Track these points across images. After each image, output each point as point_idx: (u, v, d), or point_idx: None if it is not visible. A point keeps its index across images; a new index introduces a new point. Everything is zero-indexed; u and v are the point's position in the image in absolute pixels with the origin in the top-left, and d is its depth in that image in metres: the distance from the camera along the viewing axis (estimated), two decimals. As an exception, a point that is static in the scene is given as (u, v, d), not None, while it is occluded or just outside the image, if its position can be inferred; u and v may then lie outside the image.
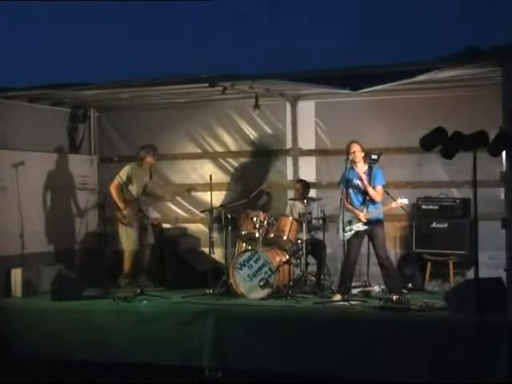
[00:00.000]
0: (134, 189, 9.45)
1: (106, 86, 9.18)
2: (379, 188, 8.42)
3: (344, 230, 8.28)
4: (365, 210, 8.31)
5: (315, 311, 7.76)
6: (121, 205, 9.35)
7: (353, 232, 8.34)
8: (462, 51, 7.05)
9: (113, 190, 9.42)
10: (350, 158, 8.39)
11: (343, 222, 8.25)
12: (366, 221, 8.28)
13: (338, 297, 8.17)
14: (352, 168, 8.44)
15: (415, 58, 7.77)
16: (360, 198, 8.43)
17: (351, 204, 8.42)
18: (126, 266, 9.43)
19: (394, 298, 7.64)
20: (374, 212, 8.30)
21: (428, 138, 5.98)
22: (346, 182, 8.43)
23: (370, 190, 8.31)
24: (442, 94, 9.30)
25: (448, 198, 9.34)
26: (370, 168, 8.44)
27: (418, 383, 6.89)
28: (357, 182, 8.43)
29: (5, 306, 8.55)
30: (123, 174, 9.42)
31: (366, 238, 8.63)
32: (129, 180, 9.42)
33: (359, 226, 8.31)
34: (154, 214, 10.55)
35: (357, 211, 8.33)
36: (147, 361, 7.70)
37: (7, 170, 9.33)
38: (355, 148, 8.41)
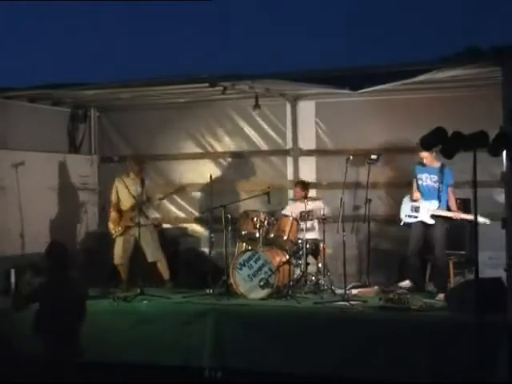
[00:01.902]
0: (125, 199, 9.27)
1: (106, 86, 9.18)
2: (451, 189, 8.62)
3: (408, 214, 8.61)
4: (436, 204, 8.52)
5: (315, 311, 7.76)
6: (112, 217, 9.33)
7: (417, 220, 8.55)
8: (462, 51, 7.01)
9: (111, 210, 9.37)
10: (424, 162, 8.68)
11: (410, 206, 8.60)
12: (431, 214, 8.49)
13: (405, 282, 8.29)
14: (422, 164, 8.70)
15: (415, 58, 7.74)
16: (432, 194, 8.63)
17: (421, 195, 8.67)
18: (122, 276, 9.34)
19: (442, 296, 7.79)
20: (441, 212, 8.48)
21: (428, 137, 5.97)
22: (418, 175, 8.71)
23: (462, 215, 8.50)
24: (442, 93, 9.31)
25: (448, 198, 9.33)
26: (442, 166, 8.57)
27: (418, 383, 6.89)
28: (429, 179, 8.63)
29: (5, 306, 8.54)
30: (112, 192, 9.38)
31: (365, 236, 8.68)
32: (118, 193, 9.33)
33: (426, 218, 8.50)
34: (154, 215, 10.54)
35: (424, 203, 8.57)
36: (147, 361, 7.69)
37: (7, 169, 9.34)
38: (424, 155, 8.61)
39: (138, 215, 8.98)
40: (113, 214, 9.26)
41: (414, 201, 8.65)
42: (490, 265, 8.34)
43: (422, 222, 8.58)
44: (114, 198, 9.35)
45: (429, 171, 8.65)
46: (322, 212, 9.20)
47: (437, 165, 8.64)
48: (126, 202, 9.24)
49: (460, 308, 7.06)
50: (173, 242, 10.22)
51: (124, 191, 9.22)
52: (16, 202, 9.36)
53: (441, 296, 7.95)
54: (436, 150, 8.42)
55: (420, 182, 8.70)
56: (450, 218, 8.53)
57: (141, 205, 9.12)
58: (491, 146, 5.90)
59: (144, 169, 9.57)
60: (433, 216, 8.51)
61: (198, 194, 10.55)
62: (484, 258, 8.18)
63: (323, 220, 9.00)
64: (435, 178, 8.60)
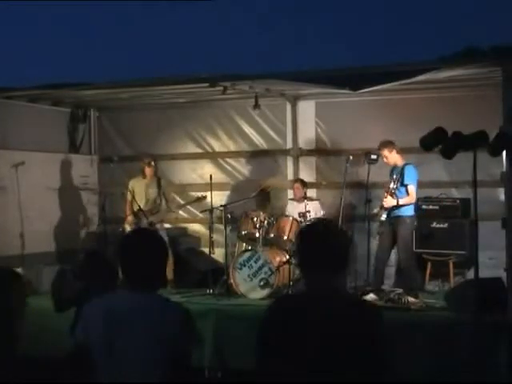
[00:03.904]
0: (139, 200, 9.30)
1: (106, 86, 9.18)
2: (410, 188, 8.45)
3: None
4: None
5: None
6: (127, 213, 9.35)
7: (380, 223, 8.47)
8: (462, 51, 7.03)
9: (127, 210, 9.41)
10: (385, 161, 8.57)
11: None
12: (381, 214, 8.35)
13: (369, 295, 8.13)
14: (394, 165, 8.60)
15: (415, 58, 7.76)
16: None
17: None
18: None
19: (409, 300, 7.61)
20: (389, 202, 8.32)
21: (428, 137, 5.97)
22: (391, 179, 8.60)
23: (388, 199, 8.32)
24: (442, 93, 9.31)
25: (448, 198, 9.34)
26: (404, 166, 8.49)
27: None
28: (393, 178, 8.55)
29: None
30: (128, 192, 9.41)
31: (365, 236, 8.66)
32: (134, 194, 9.37)
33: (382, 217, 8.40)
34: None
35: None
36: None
37: (7, 169, 9.34)
38: (384, 153, 8.53)
39: (156, 218, 9.13)
40: (130, 218, 9.29)
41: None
42: (490, 265, 8.34)
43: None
44: (129, 196, 9.37)
45: (395, 172, 8.60)
46: (320, 213, 9.22)
47: (400, 164, 8.56)
48: (140, 203, 9.24)
49: (460, 308, 7.06)
50: (173, 241, 10.21)
51: (138, 193, 9.26)
52: (16, 202, 9.37)
53: (412, 300, 7.72)
54: (396, 147, 8.55)
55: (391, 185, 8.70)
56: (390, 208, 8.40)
57: (158, 208, 9.22)
58: (491, 146, 5.90)
59: (157, 168, 9.61)
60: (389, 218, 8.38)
61: (197, 194, 10.53)
62: (484, 258, 8.19)
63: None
64: (395, 177, 8.55)
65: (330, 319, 3.15)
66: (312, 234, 3.36)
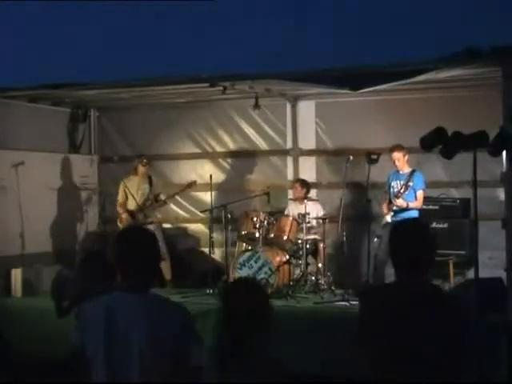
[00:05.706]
0: (132, 199, 9.36)
1: (106, 86, 9.18)
2: (419, 193, 8.46)
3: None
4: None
5: (315, 311, 7.76)
6: (121, 216, 9.36)
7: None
8: (462, 51, 7.02)
9: (119, 209, 9.42)
10: (396, 164, 8.58)
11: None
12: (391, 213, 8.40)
13: None
14: (396, 171, 8.62)
15: (415, 58, 7.74)
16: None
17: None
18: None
19: None
20: (399, 203, 8.38)
21: (428, 137, 5.96)
22: (389, 186, 8.66)
23: (399, 200, 8.40)
24: (442, 93, 9.31)
25: (448, 198, 9.34)
26: (412, 172, 8.49)
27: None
28: (396, 184, 8.58)
29: (5, 306, 8.54)
30: (120, 192, 9.45)
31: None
32: (126, 193, 9.40)
33: (386, 219, 8.43)
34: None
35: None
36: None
37: (7, 169, 9.34)
38: (397, 156, 8.53)
39: (148, 214, 9.09)
40: (124, 216, 9.28)
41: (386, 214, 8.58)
42: (490, 265, 8.34)
43: None
44: (121, 197, 9.39)
45: (400, 177, 8.60)
46: (321, 213, 9.21)
47: (407, 170, 8.61)
48: (133, 202, 9.28)
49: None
50: (173, 241, 10.22)
51: (132, 191, 9.28)
52: (16, 202, 9.37)
53: None
54: (406, 151, 8.58)
55: (392, 190, 8.67)
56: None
57: (150, 204, 9.21)
58: (491, 146, 5.90)
59: (150, 166, 9.61)
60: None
61: (198, 194, 10.54)
62: (484, 257, 8.19)
63: (323, 220, 9.00)
64: (402, 182, 8.55)
65: (421, 307, 3.47)
66: (405, 234, 3.67)
